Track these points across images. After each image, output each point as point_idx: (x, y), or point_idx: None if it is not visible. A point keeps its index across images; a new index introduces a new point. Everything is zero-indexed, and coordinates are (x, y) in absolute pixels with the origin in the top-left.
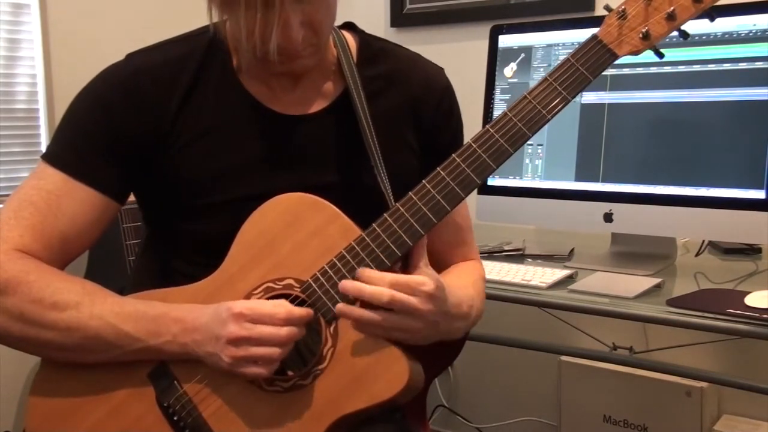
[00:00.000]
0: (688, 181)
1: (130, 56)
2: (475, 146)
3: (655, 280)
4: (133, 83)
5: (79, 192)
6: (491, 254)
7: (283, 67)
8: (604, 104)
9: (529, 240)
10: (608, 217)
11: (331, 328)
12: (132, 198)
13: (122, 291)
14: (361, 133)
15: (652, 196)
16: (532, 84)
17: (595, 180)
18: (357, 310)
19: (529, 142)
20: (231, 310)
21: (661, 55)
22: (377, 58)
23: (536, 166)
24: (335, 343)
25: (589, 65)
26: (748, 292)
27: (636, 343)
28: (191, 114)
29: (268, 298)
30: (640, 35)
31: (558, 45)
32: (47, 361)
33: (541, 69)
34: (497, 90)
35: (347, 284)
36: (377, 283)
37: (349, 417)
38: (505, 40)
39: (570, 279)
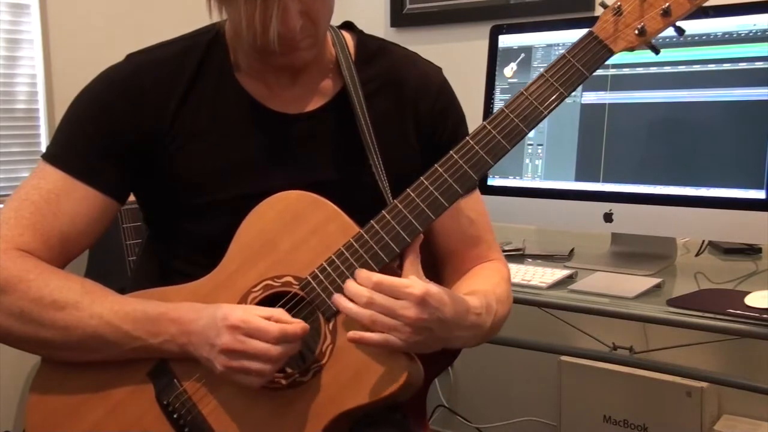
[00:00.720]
0: (688, 181)
1: (130, 57)
2: (472, 143)
3: (655, 280)
4: (132, 84)
5: (79, 191)
6: None
7: (282, 59)
8: (604, 104)
9: (529, 240)
10: (608, 217)
11: (330, 325)
12: (132, 198)
13: (123, 291)
14: (359, 131)
15: (652, 196)
16: None
17: (596, 180)
18: (345, 302)
19: (529, 142)
20: (226, 320)
21: (656, 51)
22: (375, 57)
23: (536, 166)
24: (334, 339)
25: (585, 61)
26: (748, 292)
27: (636, 343)
28: (190, 113)
29: (267, 296)
30: (636, 31)
31: (558, 45)
32: (47, 360)
33: (541, 69)
34: (497, 90)
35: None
36: (362, 283)
37: (349, 413)
38: (505, 40)
39: (570, 279)
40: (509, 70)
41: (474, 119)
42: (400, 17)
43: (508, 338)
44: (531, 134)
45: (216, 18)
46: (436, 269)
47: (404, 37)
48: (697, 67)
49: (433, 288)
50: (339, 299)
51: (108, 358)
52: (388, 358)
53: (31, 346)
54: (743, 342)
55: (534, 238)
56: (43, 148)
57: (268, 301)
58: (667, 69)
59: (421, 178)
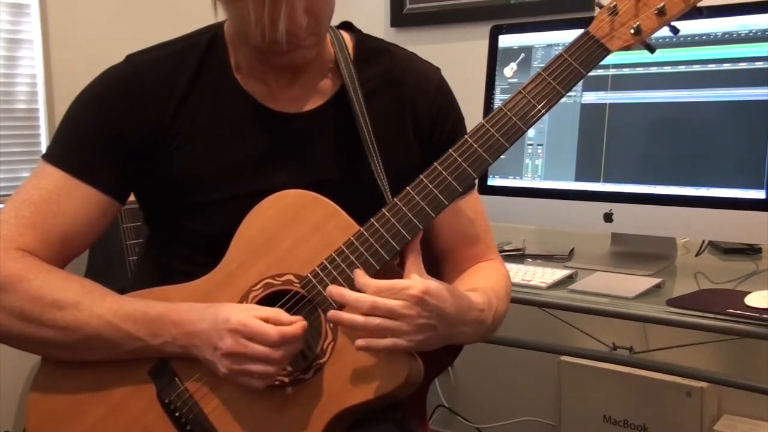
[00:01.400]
0: (688, 181)
1: (130, 57)
2: (471, 141)
3: (655, 280)
4: (132, 84)
5: (79, 191)
6: None
7: (285, 58)
8: (605, 104)
9: (529, 240)
10: (608, 217)
11: (331, 323)
12: (132, 198)
13: (123, 291)
14: (358, 131)
15: (652, 196)
16: None
17: (596, 180)
18: (344, 315)
19: (529, 142)
20: (227, 324)
21: (652, 50)
22: (373, 57)
23: (536, 166)
24: (335, 337)
25: (582, 60)
26: (748, 292)
27: (636, 343)
28: (190, 113)
29: (268, 295)
30: (632, 30)
31: (558, 45)
32: (47, 359)
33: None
34: (497, 90)
35: (332, 289)
36: (363, 290)
37: (350, 411)
38: (505, 40)
39: (570, 279)
40: (509, 70)
41: (474, 119)
42: (400, 17)
43: (508, 338)
44: (531, 134)
45: (222, 17)
46: (434, 267)
47: (404, 37)
48: (697, 67)
49: (433, 285)
50: (339, 315)
51: (108, 358)
52: (389, 355)
53: (31, 346)
54: (743, 342)
55: (534, 238)
56: (43, 148)
57: (269, 299)
58: (667, 69)
59: (421, 176)
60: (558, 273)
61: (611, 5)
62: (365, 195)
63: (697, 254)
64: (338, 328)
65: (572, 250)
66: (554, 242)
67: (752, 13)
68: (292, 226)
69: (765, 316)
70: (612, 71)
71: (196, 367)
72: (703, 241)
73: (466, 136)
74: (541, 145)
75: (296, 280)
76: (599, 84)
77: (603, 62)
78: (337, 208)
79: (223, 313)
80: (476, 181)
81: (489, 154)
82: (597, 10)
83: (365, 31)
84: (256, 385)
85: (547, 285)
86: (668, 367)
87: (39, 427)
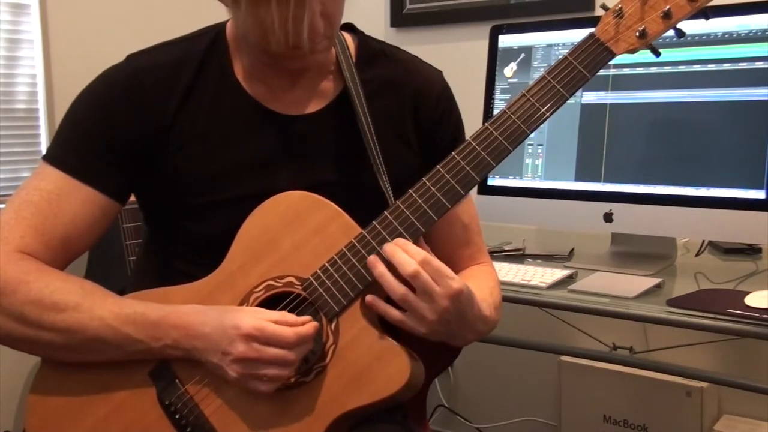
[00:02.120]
0: (688, 181)
1: (130, 58)
2: (474, 144)
3: (655, 280)
4: (132, 84)
5: (79, 192)
6: (491, 254)
7: (301, 62)
8: (605, 104)
9: (529, 240)
10: (608, 217)
11: (332, 326)
12: (132, 198)
13: (123, 291)
14: (360, 132)
15: (652, 196)
16: None
17: (596, 180)
18: (383, 269)
19: (529, 142)
20: (239, 330)
21: (657, 54)
22: (376, 60)
23: (536, 166)
24: (336, 340)
25: (586, 63)
26: (748, 292)
27: (636, 343)
28: (190, 114)
29: (269, 297)
30: (637, 33)
31: (558, 45)
32: (47, 360)
33: (541, 69)
34: (497, 90)
35: (387, 247)
36: (411, 255)
37: (351, 414)
38: (505, 40)
39: (570, 279)
40: (509, 70)
41: (474, 119)
42: (400, 17)
43: (508, 338)
44: (531, 134)
45: (224, 17)
46: None
47: (404, 37)
48: (697, 67)
49: (468, 287)
50: (376, 263)
51: (108, 360)
52: (390, 358)
53: (31, 348)
54: (743, 342)
55: (534, 238)
56: (44, 148)
57: (270, 301)
58: (668, 69)
59: (423, 179)
60: (558, 273)
61: (617, 8)
62: (367, 197)
63: (697, 254)
64: (339, 331)
65: (572, 250)
66: (554, 242)
67: (752, 13)
68: (293, 227)
69: (765, 316)
70: (612, 71)
71: (197, 369)
72: (703, 241)
73: (469, 139)
74: (542, 145)
75: (297, 282)
76: (600, 84)
77: None
78: (339, 210)
79: (230, 318)
80: None
81: (492, 158)
82: (602, 12)
83: (365, 31)
84: (264, 390)
85: (547, 285)
86: (668, 367)
87: (39, 428)
